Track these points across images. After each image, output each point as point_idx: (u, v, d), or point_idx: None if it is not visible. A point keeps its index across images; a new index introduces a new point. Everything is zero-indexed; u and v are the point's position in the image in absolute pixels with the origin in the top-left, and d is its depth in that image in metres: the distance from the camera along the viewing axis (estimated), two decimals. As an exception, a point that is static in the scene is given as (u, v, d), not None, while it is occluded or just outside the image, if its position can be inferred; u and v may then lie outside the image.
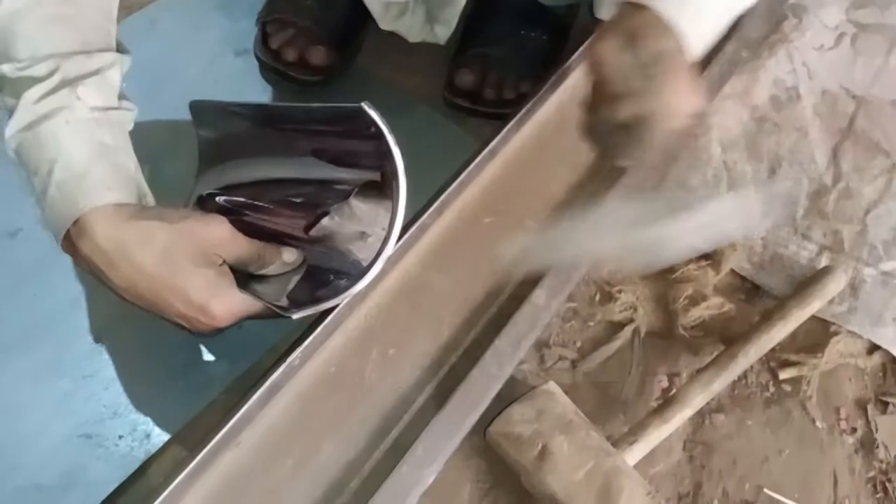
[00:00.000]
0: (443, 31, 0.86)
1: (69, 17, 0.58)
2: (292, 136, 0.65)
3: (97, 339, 0.70)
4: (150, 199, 0.60)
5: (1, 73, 0.57)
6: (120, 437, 0.65)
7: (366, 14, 0.91)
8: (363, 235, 0.63)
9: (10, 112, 0.56)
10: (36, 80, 0.55)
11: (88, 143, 0.56)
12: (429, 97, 0.90)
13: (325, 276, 0.62)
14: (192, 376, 0.67)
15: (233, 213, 0.63)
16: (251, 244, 0.59)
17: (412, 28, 0.86)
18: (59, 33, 0.57)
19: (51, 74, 0.56)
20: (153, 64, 0.84)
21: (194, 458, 0.53)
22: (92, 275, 0.57)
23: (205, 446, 0.53)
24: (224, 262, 0.58)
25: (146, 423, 0.66)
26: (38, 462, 0.63)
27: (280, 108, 0.69)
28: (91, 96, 0.57)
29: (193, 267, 0.55)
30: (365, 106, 0.56)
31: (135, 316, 0.70)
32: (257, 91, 0.89)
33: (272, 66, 0.87)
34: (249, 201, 0.67)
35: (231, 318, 0.57)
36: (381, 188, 0.61)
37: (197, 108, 0.69)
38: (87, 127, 0.56)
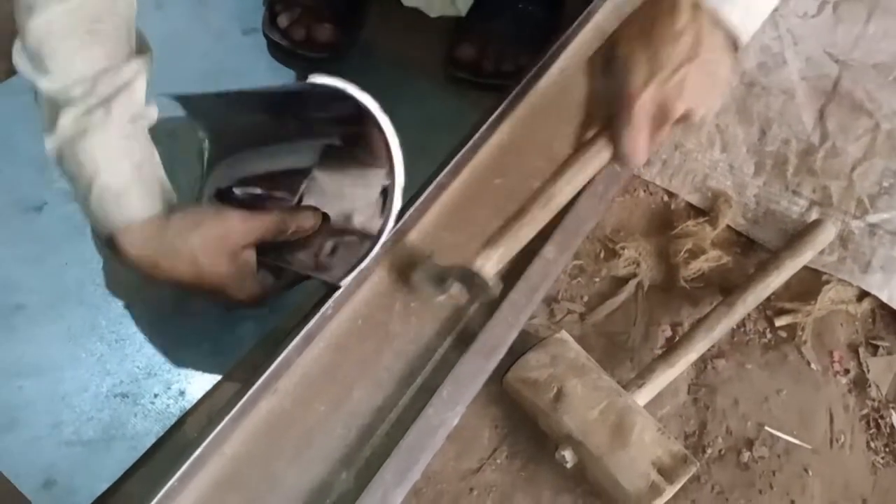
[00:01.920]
0: (464, 3, 0.88)
1: (98, 32, 0.61)
2: (284, 120, 0.68)
3: (128, 305, 0.73)
4: (173, 194, 0.65)
5: (38, 83, 0.61)
6: (155, 395, 0.68)
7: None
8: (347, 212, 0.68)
9: (49, 124, 0.61)
10: (72, 100, 0.60)
11: (122, 163, 0.61)
12: (431, 71, 0.94)
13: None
14: (222, 336, 0.71)
15: (252, 204, 0.66)
16: (268, 218, 0.64)
17: (433, 2, 0.89)
18: (90, 51, 0.61)
19: (85, 96, 0.60)
20: (161, 44, 0.85)
21: (235, 404, 0.56)
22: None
23: (244, 394, 0.56)
24: (248, 247, 0.63)
25: (179, 382, 0.69)
26: (79, 419, 0.66)
27: (260, 94, 0.69)
28: (122, 112, 0.61)
29: (216, 269, 0.61)
30: (317, 79, 0.57)
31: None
32: (265, 69, 0.92)
33: (281, 44, 0.90)
34: (266, 192, 0.71)
35: (262, 302, 0.65)
36: (341, 156, 0.65)
37: (185, 101, 0.72)
38: (121, 146, 0.61)
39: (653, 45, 0.55)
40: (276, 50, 0.92)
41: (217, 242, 0.61)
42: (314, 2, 0.90)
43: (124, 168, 0.61)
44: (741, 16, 0.57)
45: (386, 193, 0.61)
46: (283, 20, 0.91)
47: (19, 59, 0.61)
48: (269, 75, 0.92)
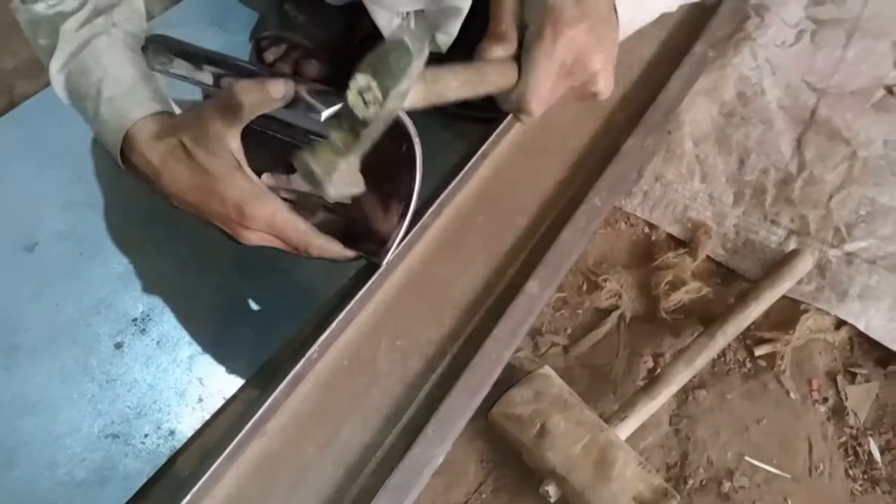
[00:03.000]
0: (444, 40, 0.89)
1: None
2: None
3: (118, 345, 0.74)
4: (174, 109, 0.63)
5: (36, 13, 0.61)
6: (146, 435, 0.69)
7: (352, 25, 0.95)
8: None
9: (51, 51, 0.61)
10: (70, 13, 0.60)
11: (131, 63, 0.61)
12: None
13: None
14: (208, 378, 0.72)
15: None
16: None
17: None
18: None
19: (83, 5, 0.61)
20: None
21: (225, 447, 0.57)
22: (147, 188, 0.60)
23: (234, 436, 0.58)
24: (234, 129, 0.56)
25: (169, 422, 0.70)
26: (72, 460, 0.67)
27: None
28: (123, 22, 0.62)
29: (230, 170, 0.56)
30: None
31: (151, 321, 0.75)
32: (255, 103, 0.93)
33: (268, 80, 0.91)
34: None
35: (265, 222, 0.57)
36: None
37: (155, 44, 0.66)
38: (126, 48, 0.61)
39: None
40: (263, 85, 0.93)
41: (201, 135, 0.56)
42: (300, 38, 0.91)
43: (134, 66, 0.61)
44: (626, 10, 0.59)
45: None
46: (269, 56, 0.92)
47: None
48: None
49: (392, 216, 0.64)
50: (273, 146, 0.61)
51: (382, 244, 0.64)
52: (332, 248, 0.61)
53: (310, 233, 0.59)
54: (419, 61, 0.48)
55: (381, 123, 0.50)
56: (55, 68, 0.61)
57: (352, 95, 0.48)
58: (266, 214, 0.57)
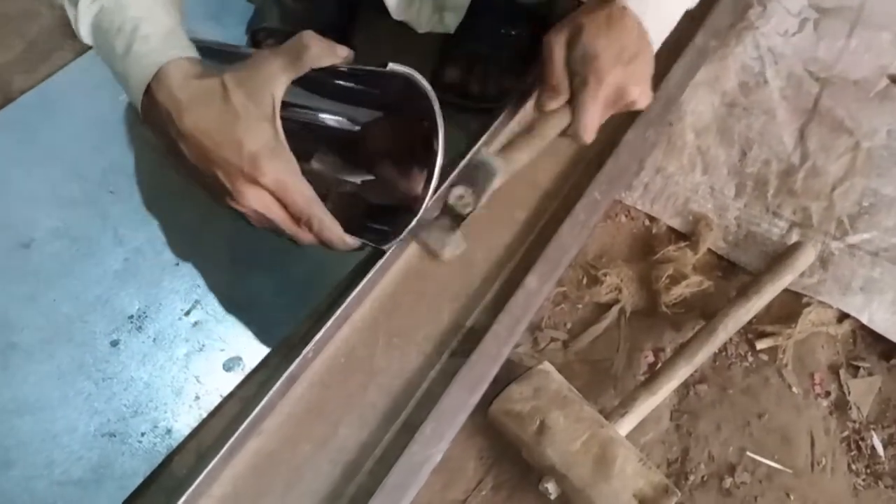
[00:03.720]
0: (452, 19, 0.88)
1: None
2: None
3: (114, 343, 0.74)
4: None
5: None
6: (142, 434, 0.69)
7: (352, 15, 0.95)
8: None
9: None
10: None
11: (169, 10, 0.61)
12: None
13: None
14: (204, 376, 0.71)
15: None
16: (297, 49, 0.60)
17: (421, 18, 0.89)
18: None
19: None
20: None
21: (222, 446, 0.57)
22: (159, 134, 0.59)
23: (231, 435, 0.57)
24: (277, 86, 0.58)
25: (166, 420, 0.70)
26: (70, 458, 0.67)
27: None
28: None
29: (261, 119, 0.56)
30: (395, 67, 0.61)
31: (147, 319, 0.74)
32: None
33: (264, 72, 0.91)
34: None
35: (274, 177, 0.56)
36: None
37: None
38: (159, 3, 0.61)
39: (612, 35, 0.65)
40: (260, 78, 0.92)
41: (249, 75, 0.57)
42: (296, 28, 0.90)
43: (172, 14, 0.61)
44: (653, 24, 0.68)
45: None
46: (265, 48, 0.91)
47: None
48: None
49: (415, 188, 0.67)
50: (294, 134, 0.60)
51: (399, 218, 0.66)
52: (334, 229, 0.60)
53: (316, 202, 0.59)
54: (500, 175, 0.67)
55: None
56: (85, 19, 0.61)
57: (452, 199, 0.67)
58: (279, 169, 0.56)
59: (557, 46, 0.67)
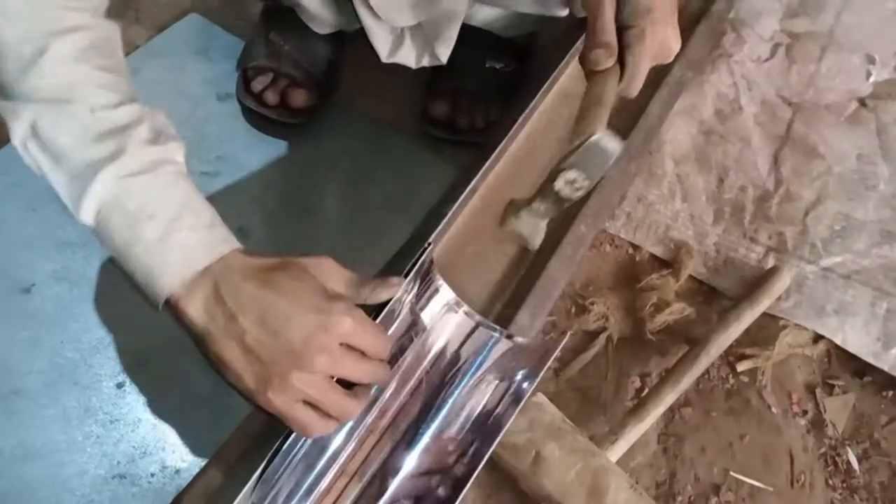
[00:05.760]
0: (444, 51, 0.88)
1: (114, 68, 0.58)
2: None
3: (119, 385, 0.76)
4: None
5: (76, 114, 0.54)
6: (152, 474, 0.71)
7: (340, 52, 0.97)
8: None
9: (113, 155, 0.53)
10: (125, 127, 0.55)
11: (201, 195, 0.58)
12: (406, 128, 0.97)
13: None
14: (213, 408, 0.73)
15: None
16: (353, 275, 0.60)
17: (411, 56, 0.89)
18: (118, 81, 0.57)
19: (139, 121, 0.56)
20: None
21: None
22: (201, 333, 0.55)
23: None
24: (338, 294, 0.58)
25: (174, 459, 0.72)
26: (80, 502, 0.69)
27: None
28: (170, 154, 0.57)
29: (330, 302, 0.55)
30: None
31: (152, 359, 0.76)
32: (243, 134, 0.94)
33: (256, 110, 0.93)
34: None
35: (383, 347, 0.58)
36: None
37: None
38: (191, 180, 0.58)
39: None
40: (250, 115, 0.94)
41: (323, 278, 0.57)
42: (287, 66, 0.92)
43: (204, 200, 0.57)
44: None
45: None
46: (256, 85, 0.93)
47: (26, 142, 0.55)
48: (248, 141, 0.94)
49: None
50: None
51: None
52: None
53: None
54: (614, 158, 0.61)
55: None
56: (115, 172, 0.53)
57: (560, 183, 0.63)
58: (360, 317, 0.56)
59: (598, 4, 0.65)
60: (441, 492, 0.64)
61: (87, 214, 0.54)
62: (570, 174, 0.63)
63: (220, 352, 0.54)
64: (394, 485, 0.64)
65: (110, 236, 0.54)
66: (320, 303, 0.55)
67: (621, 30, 0.64)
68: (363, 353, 0.57)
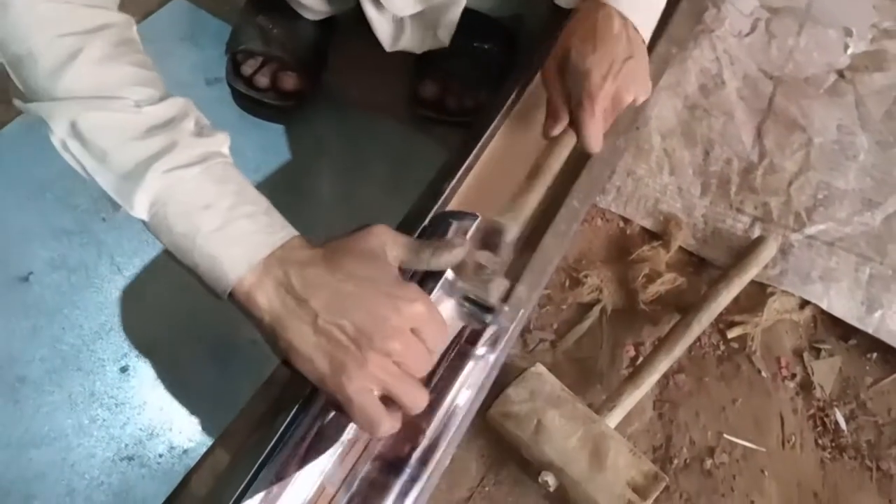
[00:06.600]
0: (445, 34, 0.89)
1: (145, 62, 0.58)
2: None
3: (123, 369, 0.76)
4: None
5: (119, 111, 0.53)
6: (160, 455, 0.72)
7: (329, 35, 0.97)
8: None
9: (165, 149, 0.53)
10: (172, 120, 0.55)
11: (252, 185, 0.57)
12: (396, 109, 0.98)
13: None
14: (218, 389, 0.74)
15: None
16: (410, 239, 0.59)
17: (414, 42, 0.90)
18: (152, 75, 0.58)
19: (185, 115, 0.56)
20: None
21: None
22: (272, 320, 0.54)
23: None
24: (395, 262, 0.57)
25: (181, 440, 0.73)
26: (90, 486, 0.70)
27: None
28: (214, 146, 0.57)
29: (400, 284, 0.54)
30: None
31: (155, 342, 0.77)
32: (234, 118, 0.95)
33: (246, 94, 0.93)
34: None
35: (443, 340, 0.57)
36: None
37: None
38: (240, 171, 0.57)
39: (598, 49, 0.68)
40: (241, 99, 0.95)
41: (380, 249, 0.56)
42: (276, 50, 0.93)
43: (260, 197, 0.57)
44: (643, 19, 0.72)
45: None
46: (246, 69, 0.93)
47: (66, 142, 0.53)
48: (239, 125, 0.94)
49: None
50: None
51: None
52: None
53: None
54: (513, 230, 0.69)
55: None
56: (168, 164, 0.53)
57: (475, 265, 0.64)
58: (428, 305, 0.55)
59: (551, 76, 0.70)
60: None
61: (140, 209, 0.53)
62: (481, 256, 0.65)
63: (292, 337, 0.53)
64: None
65: (168, 229, 0.53)
66: (390, 286, 0.54)
67: (568, 99, 0.71)
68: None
